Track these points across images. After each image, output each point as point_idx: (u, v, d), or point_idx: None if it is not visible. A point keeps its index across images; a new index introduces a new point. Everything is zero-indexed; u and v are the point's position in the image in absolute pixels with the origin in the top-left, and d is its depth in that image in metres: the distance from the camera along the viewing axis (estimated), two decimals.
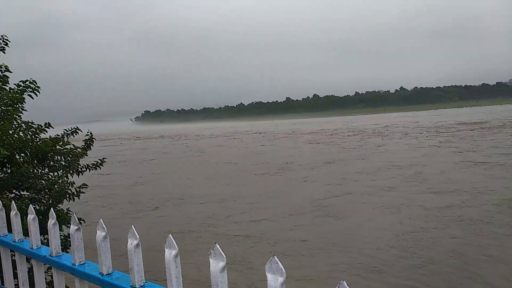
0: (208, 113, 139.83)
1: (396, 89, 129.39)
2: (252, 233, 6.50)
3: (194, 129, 55.73)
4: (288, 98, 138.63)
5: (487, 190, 8.21)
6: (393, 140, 19.60)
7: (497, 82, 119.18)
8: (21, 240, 1.32)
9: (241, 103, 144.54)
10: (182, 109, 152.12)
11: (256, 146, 21.40)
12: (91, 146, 3.57)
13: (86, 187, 3.23)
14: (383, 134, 23.56)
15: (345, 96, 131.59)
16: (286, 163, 13.81)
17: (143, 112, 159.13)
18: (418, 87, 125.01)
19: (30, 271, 1.46)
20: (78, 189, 3.14)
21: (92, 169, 3.52)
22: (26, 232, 1.31)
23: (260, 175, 11.80)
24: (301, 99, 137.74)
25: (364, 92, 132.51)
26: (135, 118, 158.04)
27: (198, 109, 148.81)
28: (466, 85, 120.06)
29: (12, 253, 1.43)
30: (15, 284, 1.52)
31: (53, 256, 1.14)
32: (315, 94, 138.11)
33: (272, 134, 31.40)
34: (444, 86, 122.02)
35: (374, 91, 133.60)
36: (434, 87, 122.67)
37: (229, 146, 22.38)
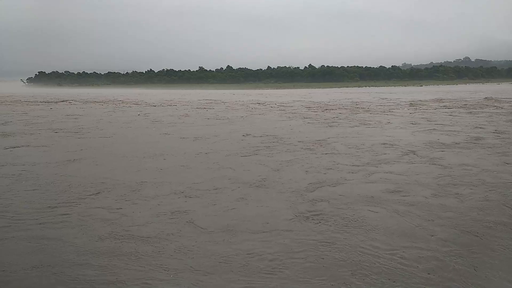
0: (114, 78, 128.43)
1: (305, 66, 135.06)
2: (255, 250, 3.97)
3: (117, 95, 50.52)
4: (201, 68, 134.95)
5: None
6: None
7: (392, 66, 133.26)
8: None
9: (151, 69, 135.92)
10: (84, 72, 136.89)
11: (224, 118, 20.04)
12: None
13: None
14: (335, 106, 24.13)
15: (257, 69, 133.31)
16: (274, 139, 11.08)
17: (37, 73, 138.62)
18: (325, 66, 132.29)
19: None
20: None
21: None
22: None
23: (238, 156, 8.90)
24: (214, 70, 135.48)
25: (275, 67, 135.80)
26: (27, 79, 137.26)
27: (102, 73, 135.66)
28: (366, 66, 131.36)
29: None
30: None
31: None
32: (228, 65, 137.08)
33: (223, 104, 29.89)
34: (347, 66, 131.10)
35: (285, 66, 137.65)
36: (339, 66, 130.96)
37: (189, 116, 20.06)
